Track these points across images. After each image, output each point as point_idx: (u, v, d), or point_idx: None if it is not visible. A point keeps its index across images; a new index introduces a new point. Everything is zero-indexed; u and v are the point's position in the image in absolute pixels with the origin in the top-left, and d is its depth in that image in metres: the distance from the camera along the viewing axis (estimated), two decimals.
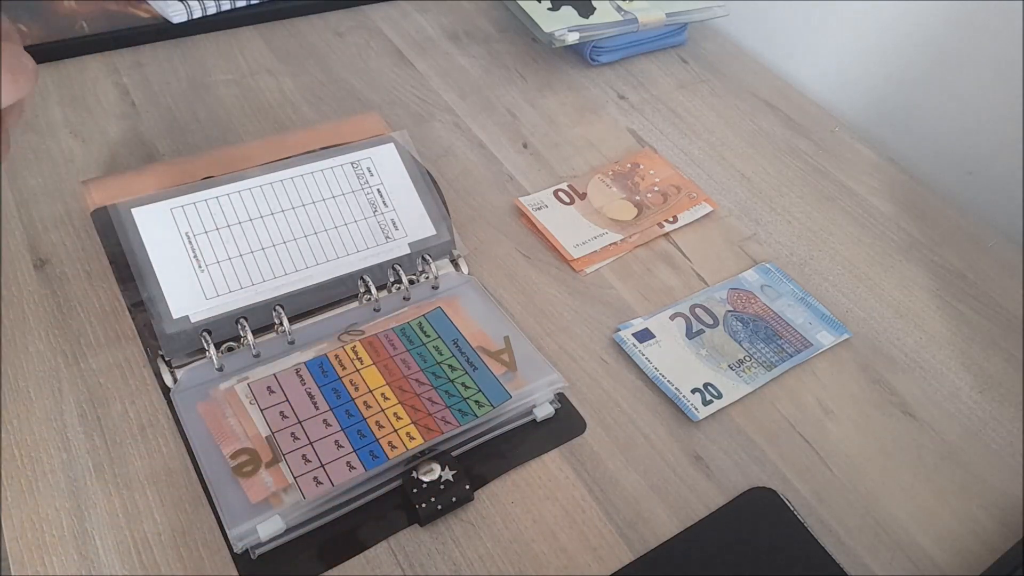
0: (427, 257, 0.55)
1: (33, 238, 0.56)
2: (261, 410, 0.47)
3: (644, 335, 0.55)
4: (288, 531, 0.42)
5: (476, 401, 0.48)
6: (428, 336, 0.52)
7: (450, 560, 0.44)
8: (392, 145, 0.58)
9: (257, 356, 0.50)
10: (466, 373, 0.50)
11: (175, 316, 0.48)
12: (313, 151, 0.57)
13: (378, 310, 0.53)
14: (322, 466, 0.44)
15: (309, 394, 0.48)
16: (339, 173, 0.56)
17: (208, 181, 0.53)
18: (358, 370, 0.49)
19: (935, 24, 0.71)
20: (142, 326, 0.51)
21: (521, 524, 0.45)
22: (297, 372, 0.49)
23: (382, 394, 0.48)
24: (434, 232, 0.57)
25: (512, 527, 0.45)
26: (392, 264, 0.55)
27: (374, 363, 0.50)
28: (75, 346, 0.50)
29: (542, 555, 0.44)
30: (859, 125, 0.79)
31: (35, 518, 0.43)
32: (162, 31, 0.73)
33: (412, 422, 0.47)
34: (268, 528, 0.42)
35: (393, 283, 0.55)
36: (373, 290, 0.53)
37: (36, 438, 0.46)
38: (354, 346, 0.51)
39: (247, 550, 0.42)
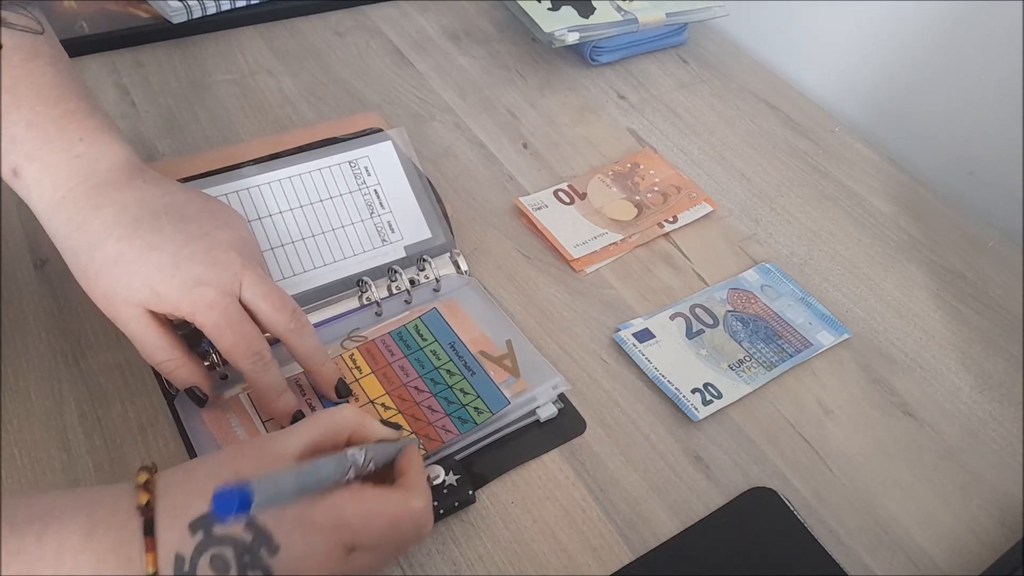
0: (427, 258, 0.55)
1: (33, 238, 0.56)
2: (263, 421, 0.47)
3: (644, 335, 0.55)
4: None
5: (475, 408, 0.48)
6: (425, 340, 0.52)
7: (450, 560, 0.44)
8: (390, 143, 0.58)
9: None
10: (464, 378, 0.50)
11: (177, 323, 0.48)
12: (310, 145, 0.57)
13: (379, 314, 0.53)
14: None
15: (310, 405, 0.48)
16: (336, 172, 0.56)
17: (206, 180, 0.52)
18: (357, 380, 0.49)
19: (935, 24, 0.71)
20: None
21: (521, 524, 0.45)
22: (297, 382, 0.49)
23: (382, 404, 0.48)
24: (430, 235, 0.57)
25: (512, 527, 0.45)
26: (390, 266, 0.55)
27: (373, 372, 0.50)
28: (75, 346, 0.50)
29: (542, 555, 0.44)
30: (859, 125, 0.79)
31: None
32: (162, 31, 0.73)
33: (413, 432, 0.47)
34: None
35: (393, 284, 0.55)
36: (374, 292, 0.53)
37: (36, 438, 0.46)
38: (352, 354, 0.51)
39: None
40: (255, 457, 0.36)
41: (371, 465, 0.38)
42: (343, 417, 0.39)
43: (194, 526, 0.33)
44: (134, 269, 0.41)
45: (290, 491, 0.33)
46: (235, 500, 0.30)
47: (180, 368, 0.43)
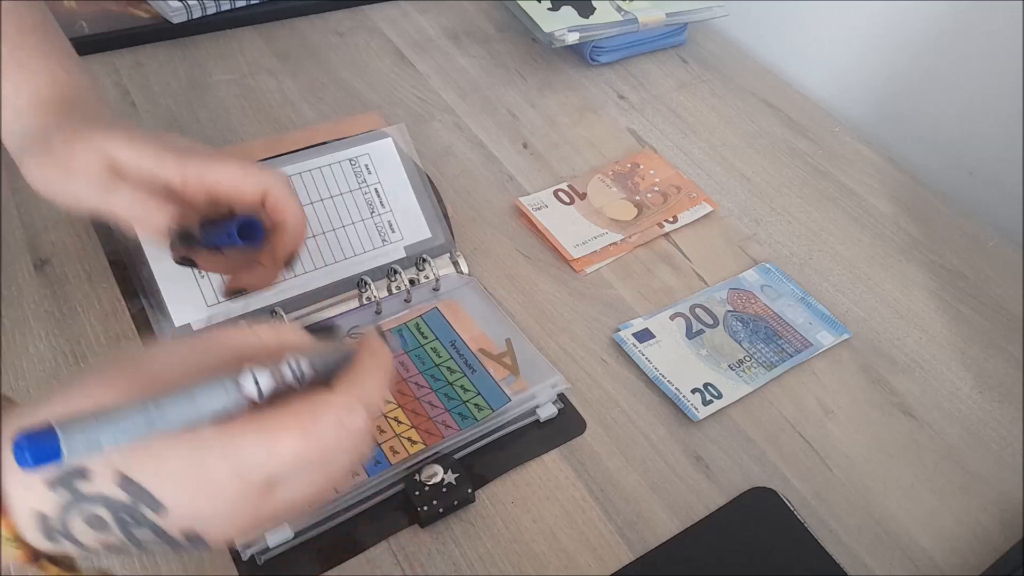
0: (427, 258, 0.55)
1: (33, 238, 0.56)
2: None
3: (644, 335, 0.55)
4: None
5: (476, 404, 0.48)
6: (426, 338, 0.52)
7: (450, 560, 0.44)
8: (390, 140, 0.58)
9: None
10: (464, 376, 0.50)
11: (177, 325, 0.48)
12: (311, 147, 0.57)
13: (379, 312, 0.53)
14: None
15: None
16: (337, 171, 0.55)
17: None
18: None
19: (935, 24, 0.71)
20: (142, 326, 0.51)
21: (521, 524, 0.45)
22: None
23: None
24: (429, 235, 0.57)
25: (512, 527, 0.45)
26: (391, 265, 0.55)
27: None
28: (75, 346, 0.50)
29: (542, 555, 0.44)
30: (859, 125, 0.79)
31: None
32: (162, 31, 0.73)
33: (413, 426, 0.47)
34: (276, 536, 0.42)
35: (393, 284, 0.55)
36: (374, 291, 0.53)
37: None
38: None
39: (253, 556, 0.42)
40: (124, 383, 0.29)
41: (302, 376, 0.29)
42: (246, 342, 0.30)
43: (53, 482, 0.27)
44: (95, 135, 0.41)
45: (131, 434, 0.26)
46: (34, 450, 0.25)
47: (154, 211, 0.41)
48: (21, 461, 0.25)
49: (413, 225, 0.56)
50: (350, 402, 0.30)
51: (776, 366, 0.55)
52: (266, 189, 0.43)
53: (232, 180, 0.42)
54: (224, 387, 0.27)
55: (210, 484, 0.28)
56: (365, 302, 0.54)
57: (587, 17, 0.76)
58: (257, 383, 0.28)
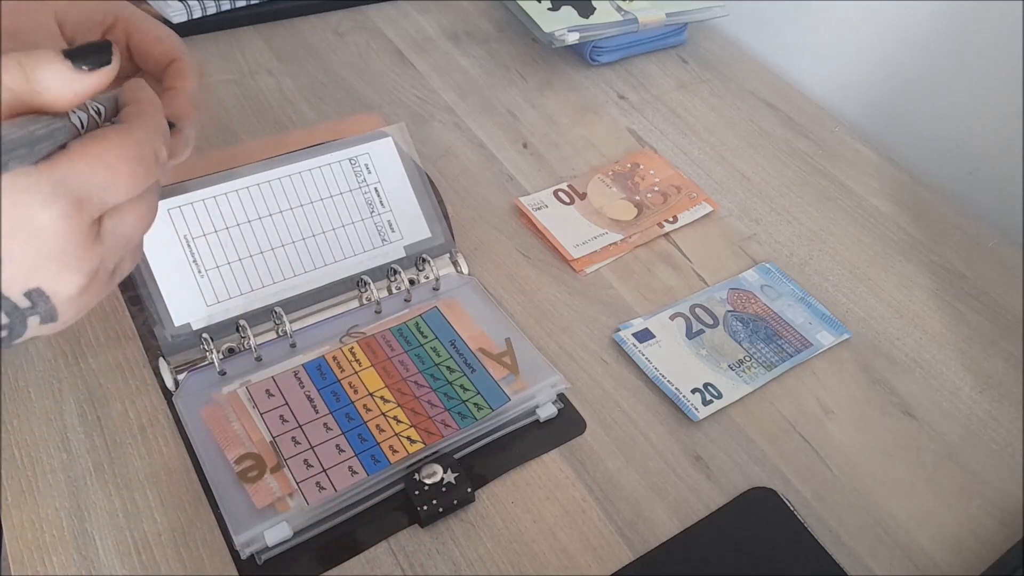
0: (426, 258, 0.55)
1: None
2: (261, 414, 0.47)
3: (644, 335, 0.55)
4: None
5: (475, 404, 0.48)
6: (426, 337, 0.52)
7: (450, 560, 0.44)
8: (390, 140, 0.58)
9: (259, 360, 0.50)
10: (464, 375, 0.50)
11: (177, 324, 0.48)
12: (311, 147, 0.57)
13: (379, 312, 0.53)
14: (324, 471, 0.44)
15: (308, 397, 0.48)
16: (337, 170, 0.55)
17: (206, 179, 0.52)
18: (356, 372, 0.49)
19: (935, 24, 0.71)
20: (142, 326, 0.51)
21: (521, 524, 0.45)
22: (295, 375, 0.49)
23: (381, 397, 0.48)
24: (429, 235, 0.57)
25: (512, 527, 0.45)
26: (391, 265, 0.55)
27: (372, 365, 0.50)
28: (75, 346, 0.50)
29: (542, 555, 0.44)
30: (859, 125, 0.79)
31: (35, 518, 0.43)
32: None
33: (412, 425, 0.47)
34: (275, 535, 0.42)
35: (393, 284, 0.55)
36: (373, 291, 0.53)
37: (36, 438, 0.46)
38: (352, 347, 0.51)
39: (252, 555, 0.42)
40: None
41: (101, 110, 0.28)
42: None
43: None
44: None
45: None
46: None
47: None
48: None
49: (413, 225, 0.56)
50: (153, 135, 0.29)
51: (776, 366, 0.55)
52: (178, 57, 0.40)
53: (159, 31, 0.40)
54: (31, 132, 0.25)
55: (43, 224, 0.26)
56: (365, 302, 0.54)
57: (587, 17, 0.76)
58: (76, 112, 0.26)
